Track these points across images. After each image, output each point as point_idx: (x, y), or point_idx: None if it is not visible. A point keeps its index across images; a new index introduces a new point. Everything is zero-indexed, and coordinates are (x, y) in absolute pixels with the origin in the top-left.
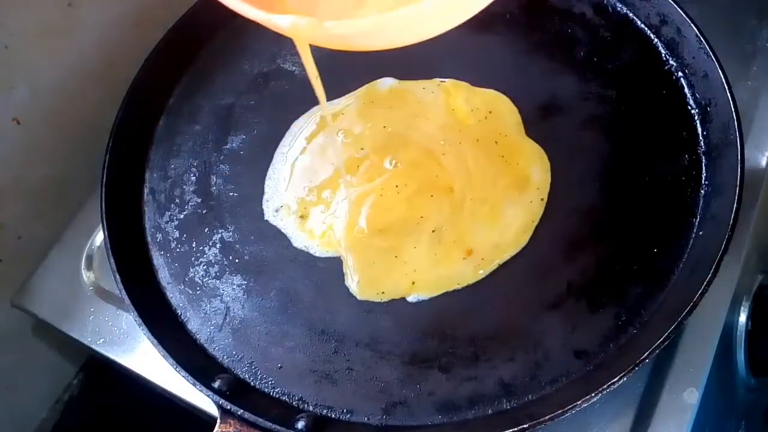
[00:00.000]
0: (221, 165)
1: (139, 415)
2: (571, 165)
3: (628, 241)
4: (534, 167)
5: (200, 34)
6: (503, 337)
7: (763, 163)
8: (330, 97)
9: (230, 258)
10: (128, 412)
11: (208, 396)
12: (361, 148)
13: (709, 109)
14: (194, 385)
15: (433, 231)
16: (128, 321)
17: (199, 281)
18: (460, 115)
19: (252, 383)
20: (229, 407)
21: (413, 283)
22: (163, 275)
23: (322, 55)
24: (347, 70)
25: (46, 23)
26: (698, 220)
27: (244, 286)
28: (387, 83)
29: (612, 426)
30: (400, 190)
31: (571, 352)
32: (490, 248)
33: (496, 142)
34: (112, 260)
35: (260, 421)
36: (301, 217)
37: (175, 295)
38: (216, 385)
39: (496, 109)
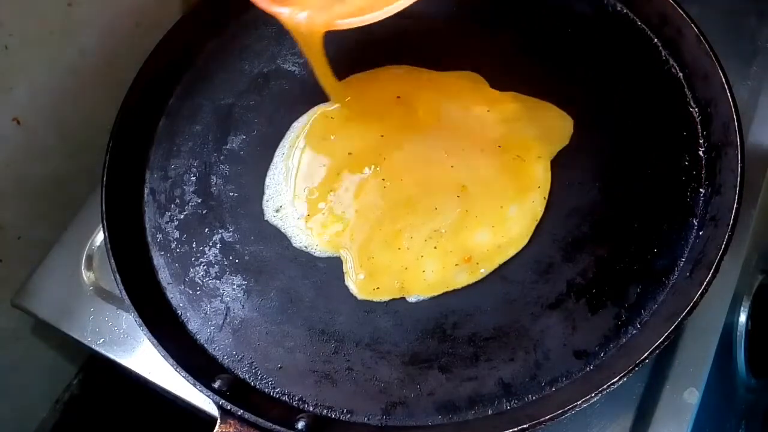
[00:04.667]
0: (221, 165)
1: (139, 415)
2: (571, 165)
3: (628, 241)
4: (538, 166)
5: (200, 34)
6: (503, 337)
7: (763, 163)
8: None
9: (230, 258)
10: (128, 412)
11: (208, 396)
12: (355, 149)
13: (709, 109)
14: (194, 385)
15: (434, 230)
16: (128, 321)
17: (200, 281)
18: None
19: (252, 383)
20: (229, 407)
21: (402, 287)
22: (163, 275)
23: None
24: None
25: (46, 23)
26: (698, 220)
27: (244, 287)
28: None
29: (612, 426)
30: (403, 179)
31: (571, 352)
32: (490, 251)
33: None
34: (112, 260)
35: (260, 421)
36: (302, 216)
37: (175, 296)
38: (216, 385)
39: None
